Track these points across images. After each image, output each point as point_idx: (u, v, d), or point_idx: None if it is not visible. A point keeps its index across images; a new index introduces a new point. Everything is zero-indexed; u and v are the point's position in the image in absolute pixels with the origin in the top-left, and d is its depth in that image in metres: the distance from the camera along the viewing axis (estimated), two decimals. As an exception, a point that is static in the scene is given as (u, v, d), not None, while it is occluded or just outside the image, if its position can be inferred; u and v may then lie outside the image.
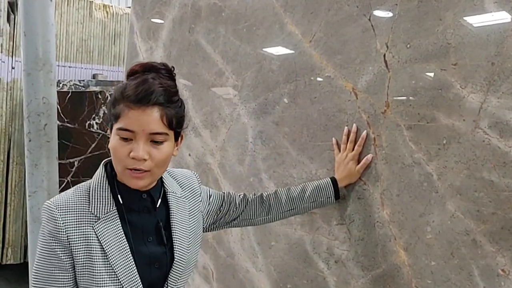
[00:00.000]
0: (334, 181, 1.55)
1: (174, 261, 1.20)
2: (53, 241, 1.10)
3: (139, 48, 2.59)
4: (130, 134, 1.09)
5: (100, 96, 4.25)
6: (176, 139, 1.19)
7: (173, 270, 1.20)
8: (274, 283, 1.88)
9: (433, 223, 1.38)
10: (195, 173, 1.41)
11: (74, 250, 1.10)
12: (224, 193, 1.47)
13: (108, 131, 1.19)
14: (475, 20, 1.30)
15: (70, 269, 1.11)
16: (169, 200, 1.25)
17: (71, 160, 4.34)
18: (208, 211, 1.40)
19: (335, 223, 1.65)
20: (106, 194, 1.16)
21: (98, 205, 1.14)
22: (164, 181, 1.27)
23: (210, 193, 1.42)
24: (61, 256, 1.10)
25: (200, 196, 1.36)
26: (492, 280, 1.26)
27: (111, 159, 1.23)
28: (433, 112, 1.38)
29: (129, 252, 1.13)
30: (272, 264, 1.89)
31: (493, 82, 1.25)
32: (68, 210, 1.12)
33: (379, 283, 1.51)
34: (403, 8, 1.46)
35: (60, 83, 4.43)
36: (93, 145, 4.27)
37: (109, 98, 4.23)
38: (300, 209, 1.54)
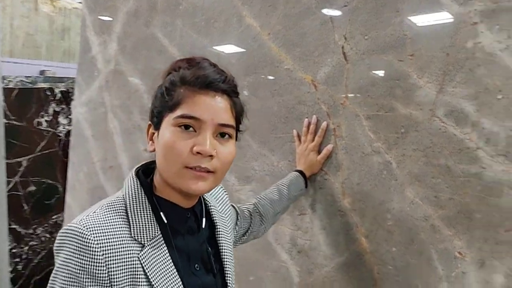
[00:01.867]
0: (301, 173, 1.56)
1: None
2: (87, 280, 0.83)
3: (92, 42, 2.51)
4: (194, 123, 0.90)
5: (49, 93, 4.09)
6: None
7: None
8: (236, 275, 1.86)
9: (393, 210, 1.42)
10: None
11: None
12: (232, 204, 1.29)
13: (150, 129, 1.00)
14: (431, 12, 1.34)
15: None
16: (214, 217, 1.08)
17: (19, 160, 4.15)
18: (235, 225, 1.25)
19: (298, 213, 1.66)
20: (148, 213, 0.93)
21: (141, 229, 0.91)
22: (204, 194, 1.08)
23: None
24: None
25: (230, 207, 1.20)
26: (449, 263, 1.31)
27: (143, 165, 1.03)
28: (391, 102, 1.42)
29: (181, 287, 0.92)
30: (234, 256, 1.88)
31: (448, 72, 1.30)
32: (107, 238, 0.86)
33: (342, 271, 1.54)
34: (361, 0, 1.49)
35: (5, 79, 4.23)
36: (42, 144, 4.10)
37: (58, 95, 4.06)
38: (284, 209, 1.52)
